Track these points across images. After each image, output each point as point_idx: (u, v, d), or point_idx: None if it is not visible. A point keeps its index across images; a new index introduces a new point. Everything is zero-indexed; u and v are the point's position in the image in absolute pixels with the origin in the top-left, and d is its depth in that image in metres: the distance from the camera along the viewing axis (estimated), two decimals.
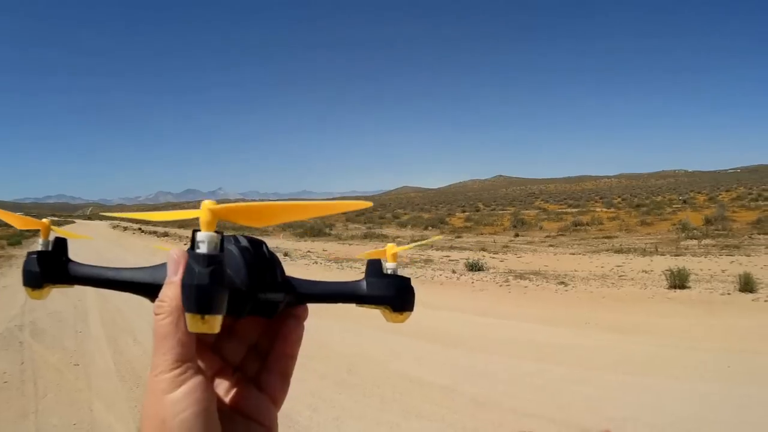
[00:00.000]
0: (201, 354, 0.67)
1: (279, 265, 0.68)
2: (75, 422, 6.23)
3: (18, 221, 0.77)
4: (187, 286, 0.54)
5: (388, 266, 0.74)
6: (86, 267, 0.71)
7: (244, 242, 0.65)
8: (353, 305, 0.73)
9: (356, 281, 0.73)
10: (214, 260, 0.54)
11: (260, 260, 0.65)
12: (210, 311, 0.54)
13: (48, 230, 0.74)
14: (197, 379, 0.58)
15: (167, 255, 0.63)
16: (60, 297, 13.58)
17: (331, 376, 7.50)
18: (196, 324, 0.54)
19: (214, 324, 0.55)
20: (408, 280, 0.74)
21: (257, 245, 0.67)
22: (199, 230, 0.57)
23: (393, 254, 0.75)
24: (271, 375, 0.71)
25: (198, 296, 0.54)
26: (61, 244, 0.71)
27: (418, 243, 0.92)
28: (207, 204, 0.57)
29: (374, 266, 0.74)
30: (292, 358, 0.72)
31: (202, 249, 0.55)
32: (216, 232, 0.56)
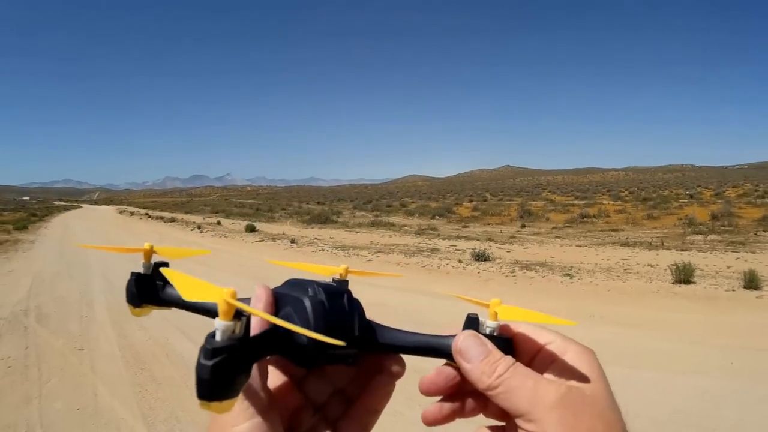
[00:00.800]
0: (284, 388, 0.67)
1: (359, 316, 0.66)
2: (79, 407, 6.27)
3: (122, 250, 0.84)
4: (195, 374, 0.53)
5: (489, 325, 0.67)
6: (176, 291, 0.72)
7: (321, 295, 0.63)
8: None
9: (449, 336, 0.69)
10: (221, 352, 0.52)
11: (335, 314, 0.63)
12: (210, 399, 0.53)
13: (150, 254, 0.78)
14: (264, 417, 0.59)
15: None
16: (65, 282, 13.81)
17: None
18: (203, 406, 0.53)
19: (221, 408, 0.53)
20: (510, 341, 0.67)
21: (336, 296, 0.65)
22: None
23: (495, 312, 0.68)
24: (351, 424, 0.69)
25: (198, 385, 0.53)
26: (158, 268, 0.76)
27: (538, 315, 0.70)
28: (225, 295, 0.54)
29: (472, 323, 0.69)
30: (376, 412, 0.71)
31: (216, 337, 0.53)
32: (240, 315, 0.54)
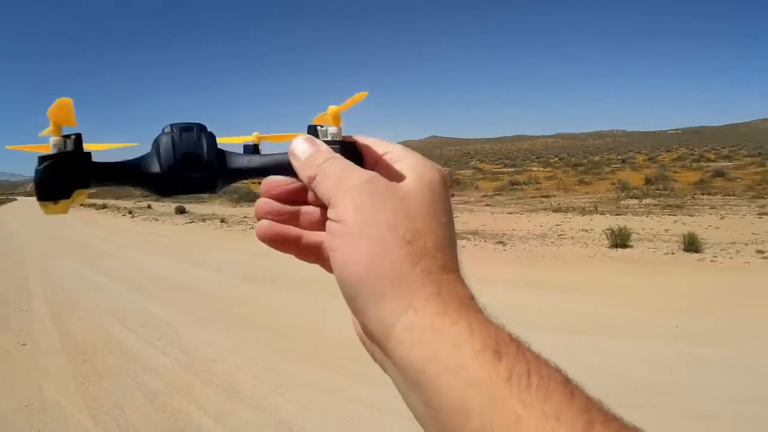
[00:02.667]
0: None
1: (209, 144, 0.66)
2: (26, 404, 6.12)
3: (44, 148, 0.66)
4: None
5: (330, 131, 0.66)
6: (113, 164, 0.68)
7: (174, 131, 0.66)
8: None
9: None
10: (47, 159, 0.59)
11: (184, 145, 0.65)
12: (43, 200, 0.60)
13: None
14: None
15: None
16: (2, 278, 13.64)
17: (273, 345, 7.50)
18: (41, 206, 0.61)
19: (56, 209, 0.61)
20: (353, 144, 0.65)
21: (188, 130, 0.66)
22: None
23: (335, 117, 0.67)
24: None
25: (35, 188, 0.59)
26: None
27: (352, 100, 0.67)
28: (55, 112, 0.59)
29: (311, 131, 0.68)
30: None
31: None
32: (67, 136, 0.60)
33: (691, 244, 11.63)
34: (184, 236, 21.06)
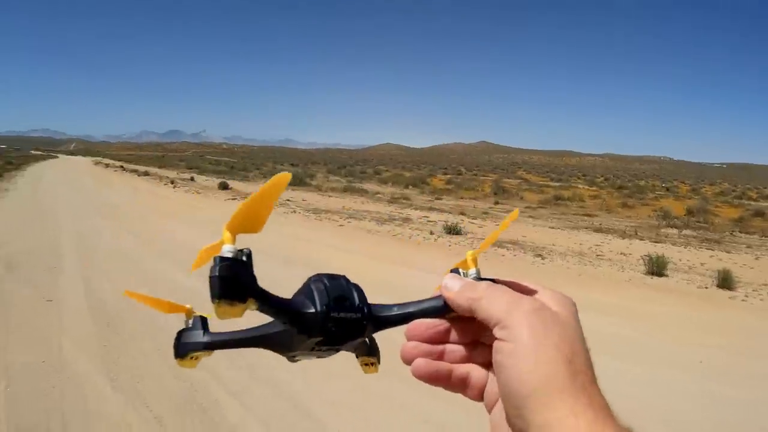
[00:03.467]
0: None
1: (357, 291, 0.71)
2: (44, 360, 6.17)
3: (164, 306, 0.78)
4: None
5: (471, 273, 0.74)
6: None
7: (323, 278, 0.71)
8: None
9: (434, 297, 0.74)
10: (226, 259, 0.60)
11: (335, 288, 0.69)
12: (219, 298, 0.58)
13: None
14: None
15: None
16: (37, 233, 13.74)
17: None
18: (215, 306, 0.59)
19: (225, 312, 0.59)
20: (494, 280, 0.72)
21: (336, 277, 0.72)
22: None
23: (474, 259, 0.76)
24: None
25: (210, 288, 0.58)
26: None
27: (497, 232, 0.78)
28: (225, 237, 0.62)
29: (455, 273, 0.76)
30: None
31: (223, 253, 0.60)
32: (241, 250, 0.62)
33: (725, 281, 11.66)
34: (225, 211, 20.43)
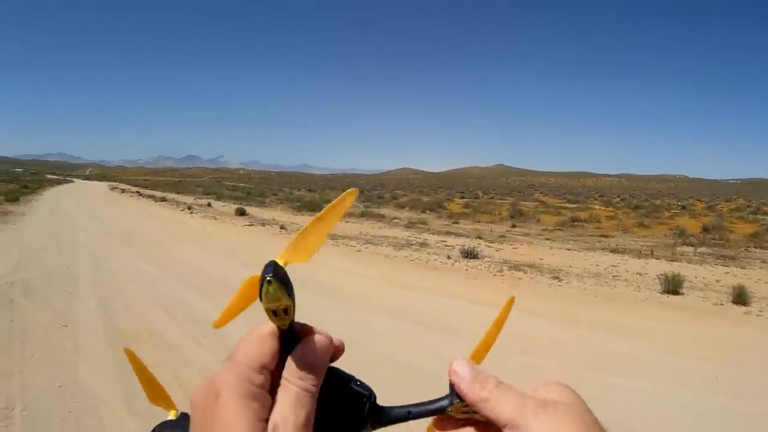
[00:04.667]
0: None
1: (369, 402, 0.73)
2: (60, 384, 6.27)
3: (153, 390, 0.87)
4: None
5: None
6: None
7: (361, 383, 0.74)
8: None
9: (443, 398, 0.76)
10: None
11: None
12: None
13: (176, 412, 0.79)
14: None
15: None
16: (53, 257, 13.88)
17: None
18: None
19: None
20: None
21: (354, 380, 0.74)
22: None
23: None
24: None
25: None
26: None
27: (494, 332, 0.87)
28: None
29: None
30: None
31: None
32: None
33: (740, 297, 11.74)
34: (242, 237, 21.33)
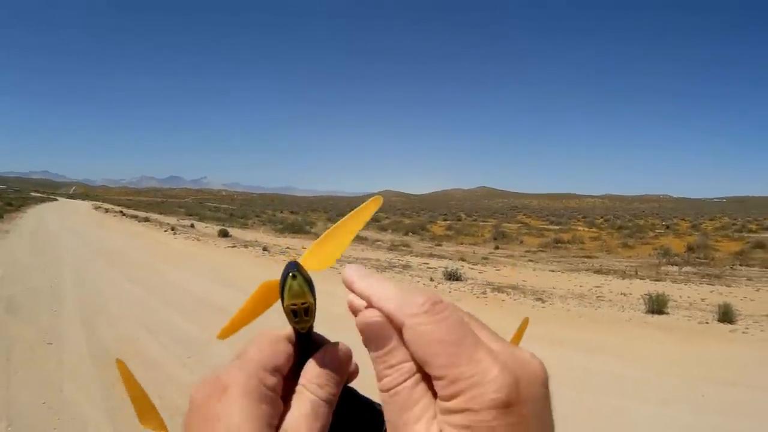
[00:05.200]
0: None
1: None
2: (44, 401, 6.28)
3: (143, 410, 0.80)
4: None
5: None
6: None
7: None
8: None
9: None
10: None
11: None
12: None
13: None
14: None
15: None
16: (38, 274, 14.04)
17: None
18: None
19: None
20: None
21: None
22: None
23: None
24: None
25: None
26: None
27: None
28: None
29: None
30: None
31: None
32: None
33: (726, 315, 11.70)
34: (225, 258, 21.30)
